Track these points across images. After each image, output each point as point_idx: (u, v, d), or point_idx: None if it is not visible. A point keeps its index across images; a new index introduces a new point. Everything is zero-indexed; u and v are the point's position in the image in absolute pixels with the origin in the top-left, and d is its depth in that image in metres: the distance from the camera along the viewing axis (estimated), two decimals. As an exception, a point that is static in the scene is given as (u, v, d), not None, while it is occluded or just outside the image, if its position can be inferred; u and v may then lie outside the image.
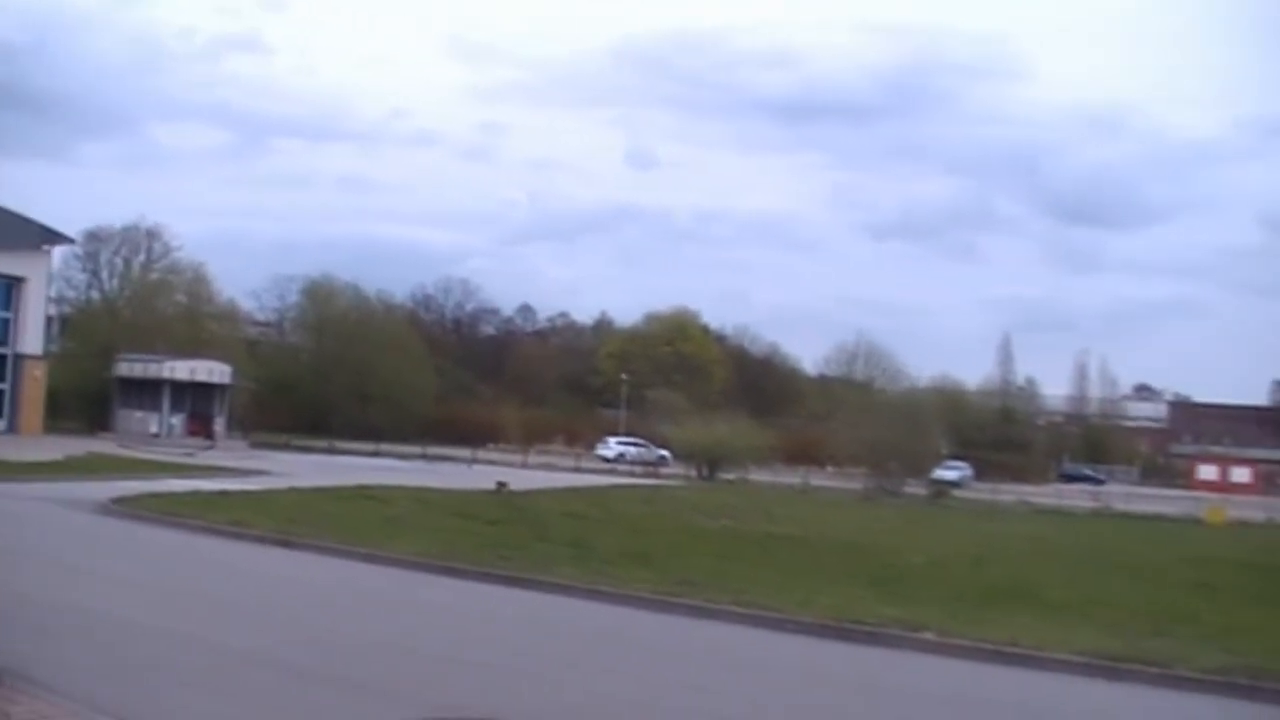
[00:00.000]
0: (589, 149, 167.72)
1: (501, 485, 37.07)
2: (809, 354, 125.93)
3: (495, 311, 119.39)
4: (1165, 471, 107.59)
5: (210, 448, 54.94)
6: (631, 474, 63.51)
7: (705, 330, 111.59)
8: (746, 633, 15.60)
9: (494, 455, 69.80)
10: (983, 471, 76.69)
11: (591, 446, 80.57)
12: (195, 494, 28.00)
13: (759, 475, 65.60)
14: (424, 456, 63.94)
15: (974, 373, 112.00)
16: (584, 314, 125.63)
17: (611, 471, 64.60)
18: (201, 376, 62.30)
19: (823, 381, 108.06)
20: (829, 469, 74.52)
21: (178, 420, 62.30)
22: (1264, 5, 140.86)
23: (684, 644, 14.87)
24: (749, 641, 15.19)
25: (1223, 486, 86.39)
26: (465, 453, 65.35)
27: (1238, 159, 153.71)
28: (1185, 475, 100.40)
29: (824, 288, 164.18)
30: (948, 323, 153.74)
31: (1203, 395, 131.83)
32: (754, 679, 13.13)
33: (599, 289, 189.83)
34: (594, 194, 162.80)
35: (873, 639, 15.08)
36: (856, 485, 60.67)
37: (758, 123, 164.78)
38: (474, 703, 10.47)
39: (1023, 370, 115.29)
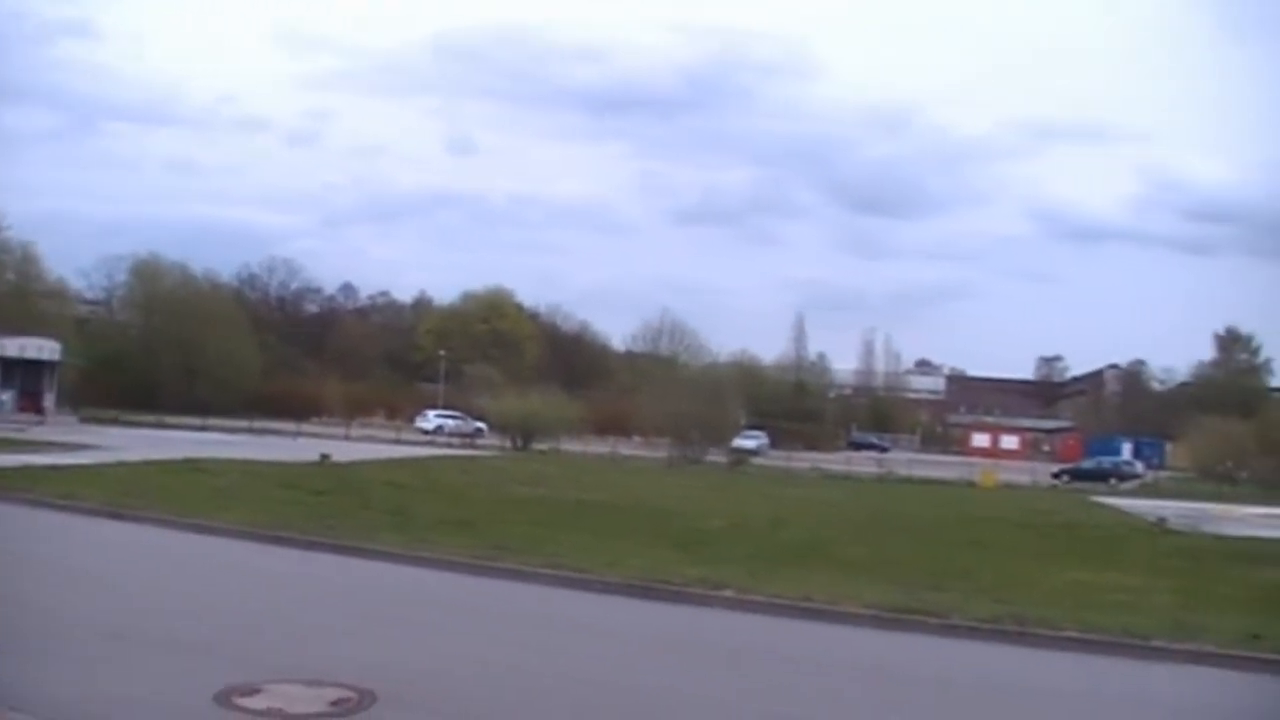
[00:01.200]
0: (411, 136, 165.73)
1: (325, 457, 36.64)
2: (618, 331, 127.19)
3: (318, 290, 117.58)
4: (943, 439, 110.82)
5: (41, 423, 53.13)
6: (450, 445, 63.06)
7: (519, 308, 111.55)
8: (559, 593, 15.63)
9: (318, 428, 68.32)
10: (778, 440, 77.66)
11: (411, 419, 79.67)
12: (26, 468, 26.96)
13: (570, 445, 65.55)
14: (250, 430, 62.46)
15: (770, 349, 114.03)
16: (404, 293, 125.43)
17: (431, 443, 63.96)
18: (31, 353, 60.26)
19: (630, 357, 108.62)
20: (636, 439, 74.95)
21: (8, 396, 60.06)
22: (1029, 18, 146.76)
23: (499, 604, 14.86)
24: (561, 601, 15.23)
25: (994, 453, 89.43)
26: (290, 426, 64.20)
27: (1005, 156, 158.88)
28: (961, 443, 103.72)
29: (632, 269, 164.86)
30: (747, 302, 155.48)
31: (976, 370, 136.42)
32: (561, 635, 13.21)
33: (418, 269, 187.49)
34: (415, 179, 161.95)
35: (677, 597, 15.25)
36: (662, 454, 61.18)
37: (571, 113, 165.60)
38: (305, 664, 10.35)
39: (815, 347, 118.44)
